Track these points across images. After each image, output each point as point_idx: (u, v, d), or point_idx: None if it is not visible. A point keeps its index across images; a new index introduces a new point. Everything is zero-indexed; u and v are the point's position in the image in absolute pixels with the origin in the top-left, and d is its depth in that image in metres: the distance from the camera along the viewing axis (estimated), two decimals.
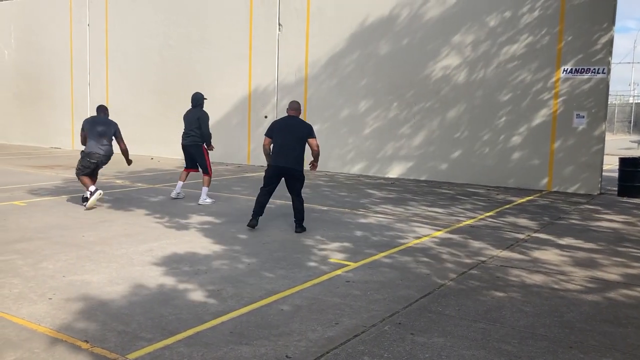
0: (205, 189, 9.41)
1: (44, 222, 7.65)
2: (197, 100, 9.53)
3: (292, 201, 7.52)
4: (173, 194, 9.83)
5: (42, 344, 3.81)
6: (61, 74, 20.46)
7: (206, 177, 9.47)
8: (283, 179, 7.50)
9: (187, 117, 9.53)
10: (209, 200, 9.42)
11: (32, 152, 18.70)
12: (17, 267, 5.52)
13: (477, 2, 12.68)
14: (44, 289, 4.92)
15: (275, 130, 7.44)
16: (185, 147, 9.60)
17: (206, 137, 9.46)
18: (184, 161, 9.89)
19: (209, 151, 9.59)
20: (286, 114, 7.65)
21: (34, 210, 8.44)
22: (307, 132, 7.42)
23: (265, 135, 7.57)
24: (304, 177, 7.53)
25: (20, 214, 8.13)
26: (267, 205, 8.34)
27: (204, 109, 9.57)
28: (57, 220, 7.79)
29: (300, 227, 7.44)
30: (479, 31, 12.69)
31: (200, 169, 9.64)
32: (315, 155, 7.57)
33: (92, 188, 8.60)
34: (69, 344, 3.81)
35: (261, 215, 7.59)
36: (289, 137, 7.33)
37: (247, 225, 7.44)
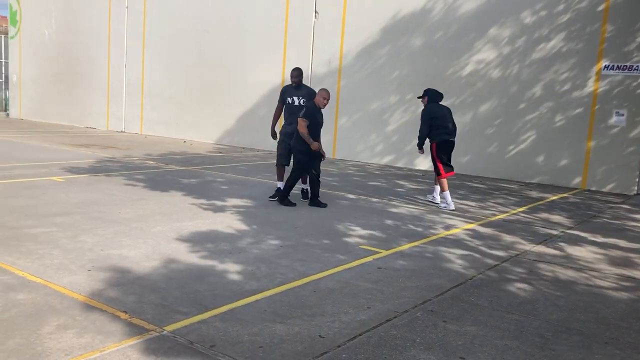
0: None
1: (81, 197, 7.84)
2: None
3: None
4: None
5: (83, 311, 3.92)
6: (99, 55, 20.81)
7: None
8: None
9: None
10: None
11: (68, 131, 19.09)
12: (57, 240, 5.68)
13: None
14: (83, 261, 5.05)
15: None
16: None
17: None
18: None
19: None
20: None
21: (71, 186, 8.64)
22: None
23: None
24: (298, 153, 8.11)
25: (58, 189, 8.34)
26: (299, 191, 8.44)
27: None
28: (94, 196, 7.97)
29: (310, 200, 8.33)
30: (515, 26, 12.49)
31: None
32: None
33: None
34: (108, 313, 3.92)
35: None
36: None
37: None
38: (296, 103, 8.43)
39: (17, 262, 4.90)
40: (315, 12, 15.36)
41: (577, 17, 11.79)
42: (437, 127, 8.66)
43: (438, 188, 8.94)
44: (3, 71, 27.54)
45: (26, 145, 14.02)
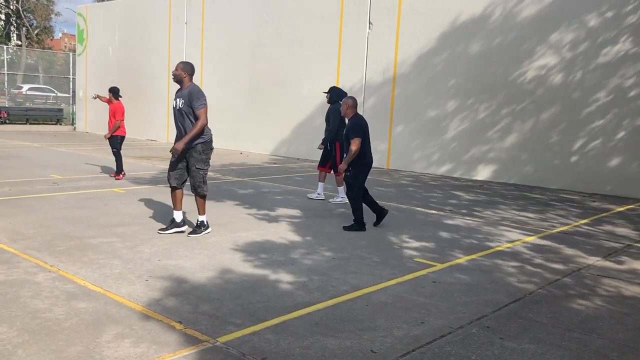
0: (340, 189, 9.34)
1: (141, 209, 8.08)
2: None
3: None
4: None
5: (140, 321, 4.02)
6: (159, 70, 21.50)
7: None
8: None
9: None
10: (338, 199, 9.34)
11: (130, 144, 19.75)
12: (117, 250, 5.86)
13: (577, 0, 12.06)
14: (141, 270, 5.19)
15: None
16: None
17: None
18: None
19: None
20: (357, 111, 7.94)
21: (132, 198, 8.92)
22: None
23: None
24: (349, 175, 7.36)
25: (119, 201, 8.63)
26: None
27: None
28: (153, 207, 8.20)
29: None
30: (578, 30, 12.06)
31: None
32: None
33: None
34: (163, 323, 4.00)
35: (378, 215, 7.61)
36: None
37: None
38: (177, 107, 6.47)
39: (80, 271, 5.09)
40: (369, 22, 15.35)
41: None
42: (340, 128, 8.98)
43: (340, 188, 9.20)
44: (71, 87, 28.92)
45: (91, 158, 14.60)
